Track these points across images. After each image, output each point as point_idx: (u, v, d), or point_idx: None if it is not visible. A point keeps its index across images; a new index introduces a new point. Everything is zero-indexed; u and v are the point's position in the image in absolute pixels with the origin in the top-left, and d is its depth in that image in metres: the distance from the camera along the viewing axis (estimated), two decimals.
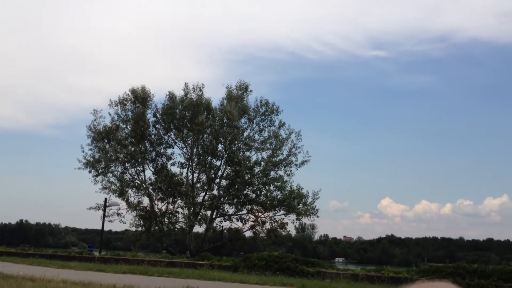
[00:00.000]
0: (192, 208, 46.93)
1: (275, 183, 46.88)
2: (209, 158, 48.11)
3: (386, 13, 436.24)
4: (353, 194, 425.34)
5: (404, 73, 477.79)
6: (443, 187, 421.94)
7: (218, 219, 49.44)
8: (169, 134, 49.16)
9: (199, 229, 50.50)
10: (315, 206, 46.33)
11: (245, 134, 48.30)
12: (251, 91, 49.36)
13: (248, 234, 51.33)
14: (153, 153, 49.81)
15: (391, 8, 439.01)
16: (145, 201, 49.04)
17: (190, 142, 48.07)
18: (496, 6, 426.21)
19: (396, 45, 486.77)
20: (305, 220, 48.23)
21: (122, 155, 48.17)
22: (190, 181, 48.07)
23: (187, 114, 47.71)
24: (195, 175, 48.76)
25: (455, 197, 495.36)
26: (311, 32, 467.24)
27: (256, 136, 48.40)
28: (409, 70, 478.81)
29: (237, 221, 49.15)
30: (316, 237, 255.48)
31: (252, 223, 48.49)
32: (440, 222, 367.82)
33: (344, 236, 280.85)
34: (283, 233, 49.23)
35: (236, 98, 47.81)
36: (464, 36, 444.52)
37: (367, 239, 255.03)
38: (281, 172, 47.38)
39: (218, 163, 48.39)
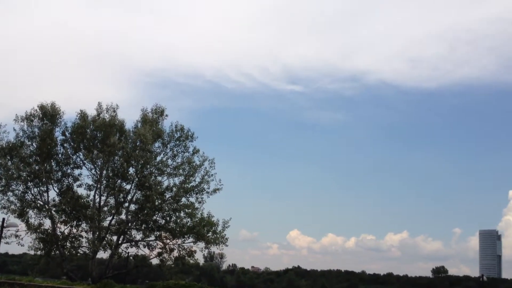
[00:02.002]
0: (97, 233, 45.09)
1: (186, 209, 46.32)
2: (119, 181, 46.70)
3: (304, 50, 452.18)
4: (263, 225, 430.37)
5: (318, 108, 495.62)
6: (348, 221, 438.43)
7: (124, 245, 47.87)
8: (77, 154, 47.30)
9: (103, 255, 48.58)
10: (225, 235, 46.22)
11: (158, 158, 47.52)
12: (167, 115, 48.88)
13: (155, 261, 50.09)
14: (59, 173, 47.63)
15: (309, 45, 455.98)
16: (47, 223, 46.61)
17: (99, 163, 46.47)
18: (405, 52, 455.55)
19: (312, 82, 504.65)
20: (214, 249, 47.86)
21: (25, 173, 45.67)
22: (97, 204, 46.30)
23: (98, 135, 46.24)
24: (103, 198, 47.08)
25: (359, 232, 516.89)
26: (230, 62, 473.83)
27: (169, 161, 47.76)
28: (323, 106, 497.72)
29: (144, 247, 47.82)
30: (224, 266, 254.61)
31: (160, 250, 47.37)
32: (344, 255, 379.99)
33: (252, 267, 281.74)
34: (191, 261, 48.54)
35: (151, 121, 47.08)
36: (375, 78, 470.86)
37: (275, 270, 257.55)
38: (192, 199, 46.97)
39: (128, 186, 47.10)
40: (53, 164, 47.29)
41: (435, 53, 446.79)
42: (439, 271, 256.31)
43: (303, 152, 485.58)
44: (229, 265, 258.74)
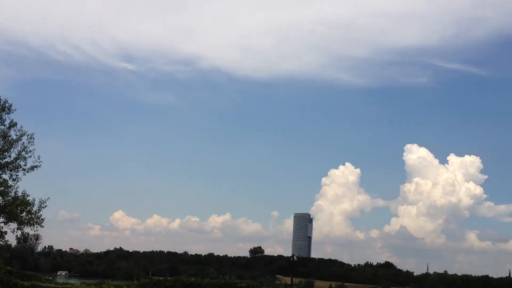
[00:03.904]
0: None
1: None
2: None
3: (140, 28, 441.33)
4: (85, 205, 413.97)
5: (150, 89, 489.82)
6: (174, 203, 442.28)
7: None
8: None
9: None
10: (41, 215, 43.54)
11: None
12: None
13: None
14: None
15: (145, 25, 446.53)
16: None
17: None
18: (238, 42, 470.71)
19: (146, 61, 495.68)
20: (28, 230, 44.82)
21: None
22: None
23: None
24: None
25: (184, 213, 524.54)
26: (58, 32, 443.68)
27: None
28: (155, 86, 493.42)
29: None
30: (40, 248, 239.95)
31: None
32: (168, 236, 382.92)
33: (70, 248, 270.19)
34: (1, 243, 44.97)
35: None
36: (208, 64, 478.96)
37: (95, 252, 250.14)
38: (6, 176, 43.26)
39: None
40: None
41: (265, 46, 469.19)
42: (256, 251, 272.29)
43: (131, 132, 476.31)
44: (45, 247, 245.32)
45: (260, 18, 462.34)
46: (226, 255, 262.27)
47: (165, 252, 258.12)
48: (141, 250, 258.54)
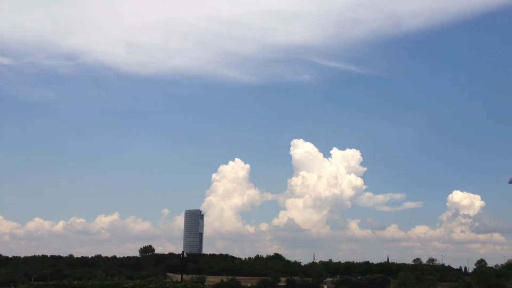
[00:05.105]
0: None
1: None
2: None
3: (16, 20, 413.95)
4: None
5: (29, 84, 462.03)
6: (57, 204, 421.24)
7: None
8: None
9: None
10: None
11: None
12: None
13: None
14: None
15: (22, 16, 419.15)
16: None
17: None
18: (124, 37, 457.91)
19: (24, 55, 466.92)
20: None
21: None
22: None
23: None
24: None
25: (69, 215, 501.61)
26: None
27: None
28: (34, 82, 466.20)
29: None
30: None
31: None
32: (51, 240, 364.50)
33: None
34: None
35: None
36: (92, 59, 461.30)
37: None
38: None
39: None
40: None
41: (152, 41, 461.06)
42: (146, 250, 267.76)
43: (8, 131, 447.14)
44: None
45: (147, 13, 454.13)
46: (114, 256, 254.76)
47: (49, 256, 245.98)
48: (22, 255, 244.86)
